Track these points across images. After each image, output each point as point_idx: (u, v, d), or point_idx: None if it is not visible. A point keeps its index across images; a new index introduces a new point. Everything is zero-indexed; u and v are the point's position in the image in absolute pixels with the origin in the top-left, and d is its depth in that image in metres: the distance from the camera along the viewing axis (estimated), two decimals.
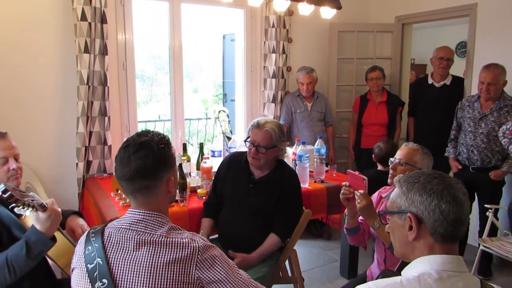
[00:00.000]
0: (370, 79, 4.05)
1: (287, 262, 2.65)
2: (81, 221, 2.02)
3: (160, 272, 1.20)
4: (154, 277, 1.20)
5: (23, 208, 1.50)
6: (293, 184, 2.48)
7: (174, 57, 3.67)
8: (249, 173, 2.47)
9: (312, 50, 4.40)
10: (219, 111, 3.74)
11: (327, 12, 3.60)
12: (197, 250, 1.24)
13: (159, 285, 1.19)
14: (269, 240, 2.36)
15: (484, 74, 3.19)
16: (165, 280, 1.19)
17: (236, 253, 2.29)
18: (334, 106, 4.46)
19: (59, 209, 1.67)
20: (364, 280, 2.31)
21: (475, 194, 3.39)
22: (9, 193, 1.46)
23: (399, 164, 2.08)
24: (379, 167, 3.22)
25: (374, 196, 2.29)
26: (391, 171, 2.11)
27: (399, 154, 2.12)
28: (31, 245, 1.57)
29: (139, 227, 1.28)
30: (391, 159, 2.15)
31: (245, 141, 2.47)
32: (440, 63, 3.82)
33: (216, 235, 2.57)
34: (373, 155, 3.31)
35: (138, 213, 1.31)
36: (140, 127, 4.27)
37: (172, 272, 1.20)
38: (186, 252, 1.23)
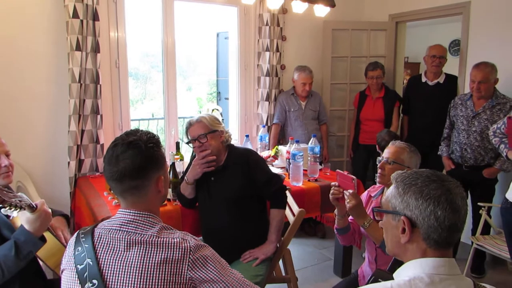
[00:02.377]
0: (370, 77, 4.04)
1: (280, 261, 2.65)
2: (62, 225, 2.00)
3: (151, 272, 1.19)
4: (145, 278, 1.18)
5: (10, 209, 1.47)
6: (253, 158, 2.46)
7: (167, 55, 3.65)
8: None
9: (306, 48, 4.39)
10: (213, 110, 3.73)
11: (321, 10, 3.59)
12: (188, 250, 1.23)
13: (150, 286, 1.18)
14: (274, 217, 2.39)
15: (474, 72, 3.20)
16: (156, 281, 1.18)
17: (252, 252, 2.34)
18: (328, 104, 4.45)
19: (49, 210, 1.65)
20: (355, 279, 2.31)
21: (468, 192, 3.40)
22: None
23: (387, 163, 2.07)
24: None
25: (363, 195, 2.29)
26: (379, 170, 2.10)
27: (386, 153, 2.10)
28: (20, 246, 1.55)
29: (129, 227, 1.27)
30: (379, 158, 2.15)
31: (187, 143, 2.46)
32: (432, 61, 3.82)
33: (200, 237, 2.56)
34: (377, 146, 3.34)
35: (129, 214, 1.29)
36: (133, 125, 4.24)
37: (163, 273, 1.19)
38: (177, 252, 1.22)
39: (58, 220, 2.01)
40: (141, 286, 1.18)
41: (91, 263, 1.22)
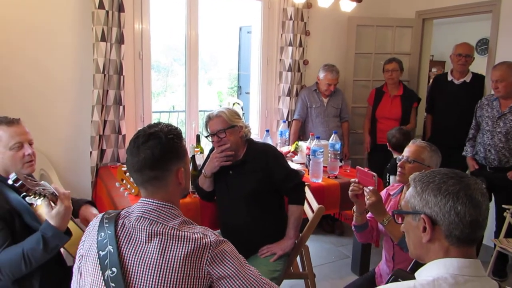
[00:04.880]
0: (386, 70, 3.99)
1: (298, 257, 2.64)
2: (94, 211, 2.05)
3: (171, 266, 1.19)
4: (164, 271, 1.18)
5: (34, 197, 1.52)
6: (272, 153, 2.45)
7: (190, 48, 3.65)
8: None
9: (329, 44, 4.34)
10: (234, 104, 3.73)
11: (347, 5, 3.54)
12: (209, 245, 1.22)
13: (169, 279, 1.18)
14: (292, 213, 2.38)
15: (492, 72, 3.20)
16: (175, 274, 1.18)
17: (270, 247, 2.33)
18: (350, 101, 4.40)
19: (71, 205, 1.69)
20: (372, 277, 2.29)
21: (492, 194, 3.33)
22: (20, 182, 1.47)
23: (407, 162, 2.05)
24: (395, 155, 3.18)
25: (382, 194, 2.26)
26: (399, 169, 2.08)
27: (407, 152, 2.08)
28: (48, 240, 1.61)
29: (151, 215, 1.27)
30: (399, 156, 2.12)
31: (207, 137, 2.46)
32: (458, 60, 3.74)
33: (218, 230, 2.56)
34: (388, 144, 3.29)
35: (152, 203, 1.30)
36: (155, 117, 4.28)
37: (182, 266, 1.19)
38: (198, 247, 1.21)
39: (87, 208, 2.06)
40: (159, 279, 1.18)
41: (112, 250, 1.23)
